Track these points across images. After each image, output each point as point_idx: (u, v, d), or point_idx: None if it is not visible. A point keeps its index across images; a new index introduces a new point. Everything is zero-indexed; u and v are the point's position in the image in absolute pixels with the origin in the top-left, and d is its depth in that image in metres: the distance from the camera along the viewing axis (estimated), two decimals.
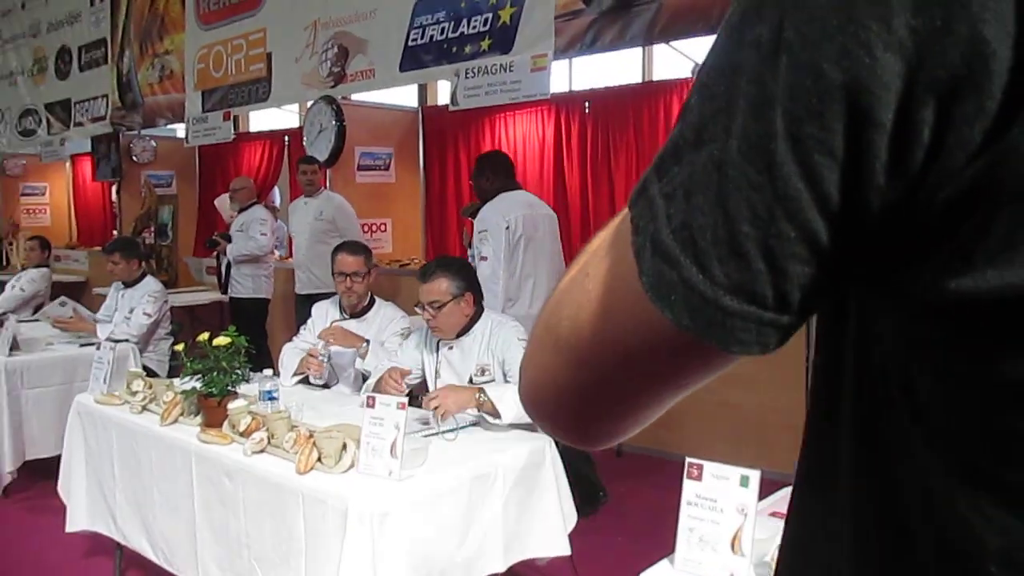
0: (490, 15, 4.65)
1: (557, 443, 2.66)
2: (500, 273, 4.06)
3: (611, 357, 0.49)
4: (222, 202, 6.94)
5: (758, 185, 0.39)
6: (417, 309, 3.04)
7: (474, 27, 4.73)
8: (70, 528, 3.33)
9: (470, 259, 4.17)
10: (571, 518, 2.74)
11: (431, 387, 3.10)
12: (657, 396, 0.52)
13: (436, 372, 3.11)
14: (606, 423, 0.56)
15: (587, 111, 6.13)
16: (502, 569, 2.53)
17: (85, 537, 3.45)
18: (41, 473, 4.26)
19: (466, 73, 4.73)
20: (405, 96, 7.20)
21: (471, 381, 2.96)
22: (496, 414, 2.70)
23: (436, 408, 2.69)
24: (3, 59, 9.53)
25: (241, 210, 6.20)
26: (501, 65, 4.56)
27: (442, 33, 4.88)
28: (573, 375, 0.52)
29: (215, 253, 6.56)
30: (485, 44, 4.67)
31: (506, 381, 2.93)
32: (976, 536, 0.39)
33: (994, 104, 0.34)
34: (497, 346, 2.98)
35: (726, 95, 0.40)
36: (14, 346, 4.42)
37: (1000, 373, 0.37)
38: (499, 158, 4.64)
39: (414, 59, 5.03)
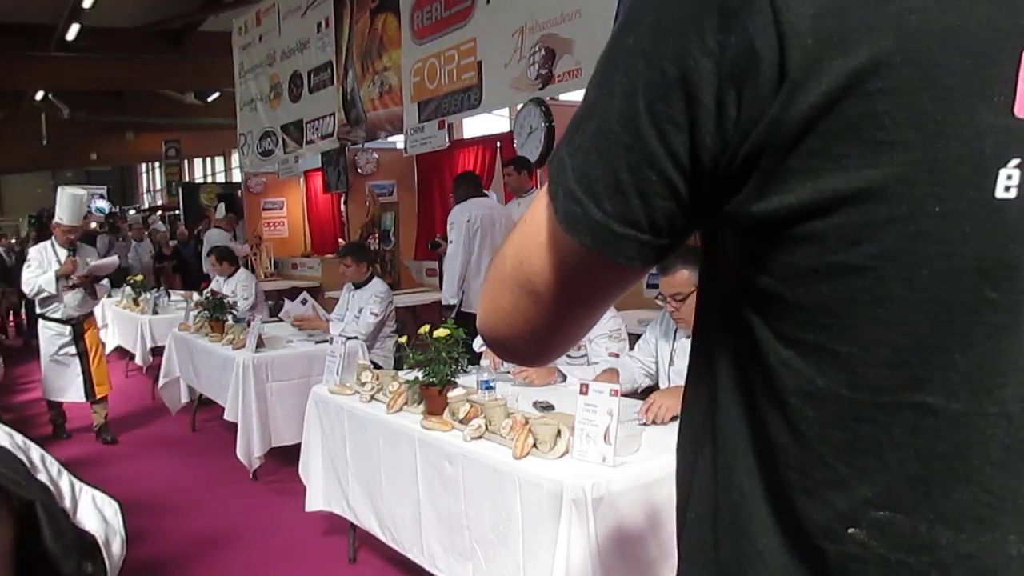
0: None
1: None
2: (459, 254, 5.51)
3: (543, 281, 0.66)
4: None
5: (630, 145, 0.57)
6: (658, 300, 3.00)
7: None
8: (309, 508, 3.61)
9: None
10: None
11: (662, 375, 3.12)
12: (584, 310, 0.71)
13: (671, 359, 3.07)
14: (544, 339, 0.74)
15: None
16: None
17: (323, 516, 3.73)
18: (284, 459, 4.65)
19: None
20: None
21: None
22: None
23: (651, 415, 2.71)
24: (245, 88, 10.50)
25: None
26: None
27: None
28: (516, 302, 0.70)
29: (438, 255, 6.87)
30: None
31: None
32: (782, 379, 0.59)
33: (763, 90, 0.53)
34: None
35: (608, 83, 0.59)
36: (259, 343, 4.85)
37: (783, 264, 0.57)
38: (467, 178, 6.13)
39: None
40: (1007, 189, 0.51)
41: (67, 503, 0.59)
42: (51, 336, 5.75)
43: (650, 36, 0.56)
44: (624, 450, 2.37)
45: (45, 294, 5.56)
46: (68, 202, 5.61)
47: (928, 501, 0.55)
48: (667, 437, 2.56)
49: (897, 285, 0.53)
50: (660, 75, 0.55)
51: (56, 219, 5.66)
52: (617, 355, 3.35)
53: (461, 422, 2.75)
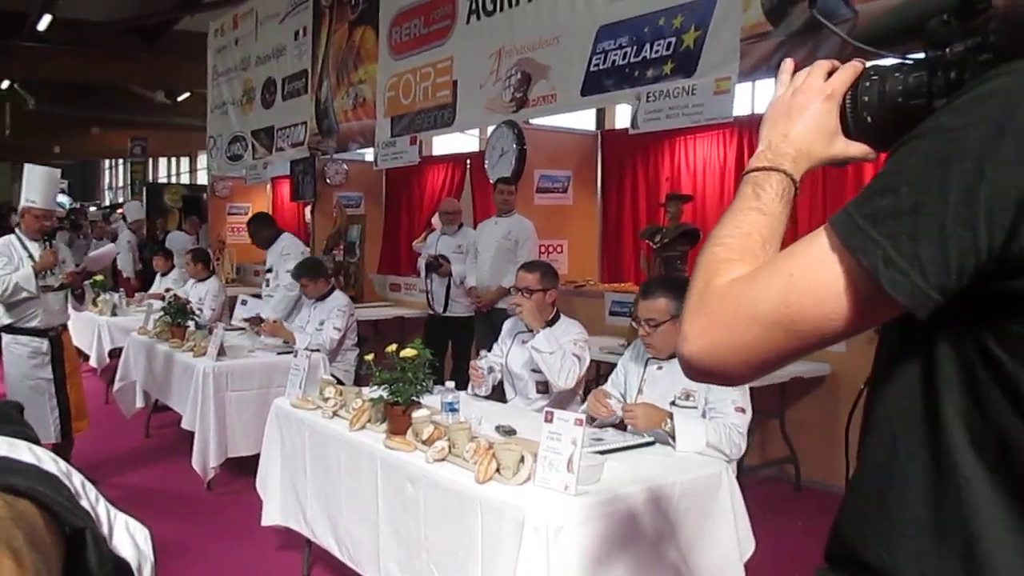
0: (673, 39, 4.65)
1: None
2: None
3: (809, 321, 0.85)
4: (438, 220, 7.32)
5: (966, 238, 0.77)
6: (633, 323, 3.09)
7: (657, 51, 4.75)
8: (265, 522, 3.58)
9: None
10: (748, 547, 2.68)
11: (629, 401, 3.16)
12: (834, 340, 0.88)
13: (639, 388, 3.13)
14: (771, 365, 0.90)
15: None
16: None
17: (278, 531, 3.70)
18: (240, 470, 4.61)
19: (647, 97, 4.75)
20: (583, 120, 7.29)
21: (673, 403, 2.95)
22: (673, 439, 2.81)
23: (629, 417, 2.85)
24: (217, 91, 10.43)
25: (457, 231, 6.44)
26: (683, 88, 4.55)
27: (624, 58, 4.93)
28: (765, 336, 0.87)
29: (429, 274, 6.39)
30: (667, 68, 4.68)
31: (706, 412, 2.90)
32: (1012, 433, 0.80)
33: None
34: None
35: (939, 191, 0.78)
36: (221, 352, 4.80)
37: None
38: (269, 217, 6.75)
39: (595, 84, 5.10)
40: None
41: (104, 529, 0.60)
42: (25, 354, 4.63)
43: (991, 168, 0.76)
44: (586, 479, 2.40)
45: (24, 294, 4.50)
46: (39, 181, 4.62)
47: None
48: (628, 469, 2.59)
49: None
50: (1003, 194, 0.75)
51: (26, 202, 4.64)
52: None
53: (424, 443, 2.75)
